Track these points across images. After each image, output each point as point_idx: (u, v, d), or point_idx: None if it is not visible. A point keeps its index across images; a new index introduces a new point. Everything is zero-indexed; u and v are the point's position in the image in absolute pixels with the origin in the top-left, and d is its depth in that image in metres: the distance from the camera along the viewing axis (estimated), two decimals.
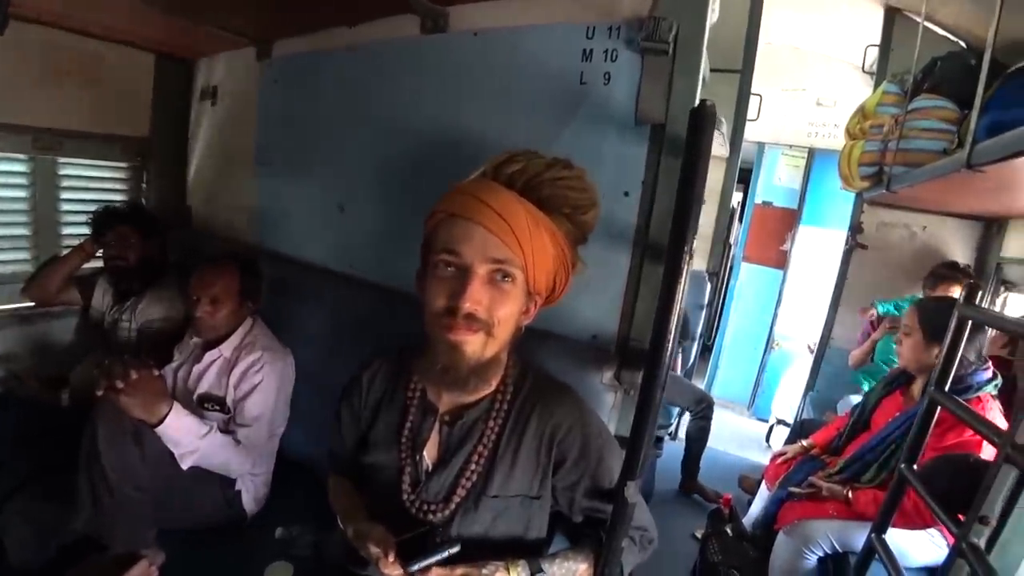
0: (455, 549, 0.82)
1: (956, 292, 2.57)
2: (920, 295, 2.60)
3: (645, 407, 0.81)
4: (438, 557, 0.81)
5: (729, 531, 2.08)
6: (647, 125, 1.07)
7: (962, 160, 1.52)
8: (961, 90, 1.90)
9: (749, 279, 4.09)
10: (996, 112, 1.52)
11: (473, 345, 0.82)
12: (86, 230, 1.87)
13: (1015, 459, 0.96)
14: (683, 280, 0.79)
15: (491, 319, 0.82)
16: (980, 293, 1.33)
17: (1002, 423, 1.40)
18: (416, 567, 0.80)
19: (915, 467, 1.38)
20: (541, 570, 0.87)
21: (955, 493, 1.18)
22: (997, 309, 2.50)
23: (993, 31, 1.44)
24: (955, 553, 1.09)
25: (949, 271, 2.54)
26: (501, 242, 0.80)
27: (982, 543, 1.04)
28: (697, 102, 1.00)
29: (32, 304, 1.93)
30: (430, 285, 0.83)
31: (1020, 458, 0.95)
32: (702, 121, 0.76)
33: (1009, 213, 2.50)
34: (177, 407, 1.31)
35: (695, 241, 0.79)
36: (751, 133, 3.39)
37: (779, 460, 2.18)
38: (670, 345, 0.78)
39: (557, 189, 0.86)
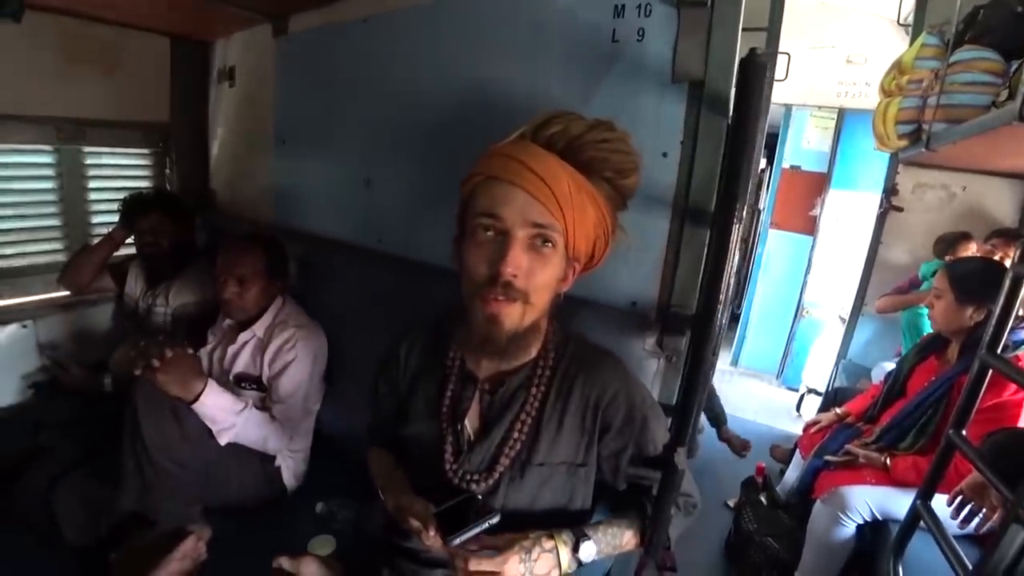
0: (494, 520, 0.81)
1: (972, 251, 2.51)
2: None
3: (695, 372, 0.79)
4: (477, 529, 0.80)
5: (763, 500, 2.07)
6: (684, 82, 1.02)
7: (1014, 112, 1.44)
8: (1007, 40, 1.77)
9: (777, 246, 3.97)
10: None
11: (511, 317, 0.81)
12: (115, 218, 1.89)
13: None
14: (734, 243, 0.75)
15: (529, 287, 0.80)
16: None
17: None
18: (456, 541, 0.79)
19: (963, 432, 1.34)
20: (587, 536, 0.86)
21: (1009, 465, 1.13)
22: None
23: None
24: (1011, 519, 1.06)
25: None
26: (542, 206, 0.77)
27: None
28: (738, 54, 0.95)
29: (68, 293, 1.97)
30: (469, 250, 0.81)
31: None
32: (753, 72, 0.72)
33: None
34: (212, 384, 1.33)
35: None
36: (777, 95, 3.25)
37: (813, 429, 2.15)
38: (721, 310, 0.75)
39: (600, 152, 0.83)
